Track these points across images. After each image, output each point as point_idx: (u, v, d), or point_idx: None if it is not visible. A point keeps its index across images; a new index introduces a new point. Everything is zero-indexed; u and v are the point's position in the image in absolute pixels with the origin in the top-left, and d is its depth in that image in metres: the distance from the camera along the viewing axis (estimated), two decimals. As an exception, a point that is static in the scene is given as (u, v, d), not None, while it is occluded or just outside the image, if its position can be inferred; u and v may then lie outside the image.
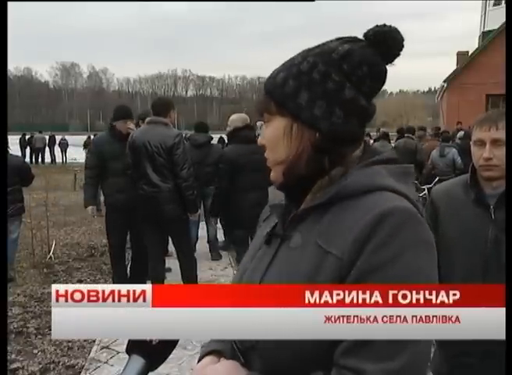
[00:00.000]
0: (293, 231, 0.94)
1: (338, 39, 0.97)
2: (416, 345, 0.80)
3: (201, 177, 5.28)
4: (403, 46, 0.96)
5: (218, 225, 6.49)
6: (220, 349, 1.01)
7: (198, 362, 1.01)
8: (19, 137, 28.04)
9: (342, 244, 0.84)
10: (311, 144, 0.92)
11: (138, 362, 0.84)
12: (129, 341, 0.87)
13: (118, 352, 3.72)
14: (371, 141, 13.72)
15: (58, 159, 27.92)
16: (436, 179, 8.25)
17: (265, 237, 1.01)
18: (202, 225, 6.44)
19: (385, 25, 0.95)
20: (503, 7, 18.99)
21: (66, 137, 30.88)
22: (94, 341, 3.92)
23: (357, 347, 0.79)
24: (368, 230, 0.82)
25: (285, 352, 0.86)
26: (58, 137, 29.14)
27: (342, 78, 0.91)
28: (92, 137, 29.16)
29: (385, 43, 0.93)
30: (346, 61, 0.91)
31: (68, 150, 28.76)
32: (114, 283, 5.07)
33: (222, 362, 0.95)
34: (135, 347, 0.86)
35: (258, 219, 1.16)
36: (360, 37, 0.96)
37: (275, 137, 0.96)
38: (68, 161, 27.78)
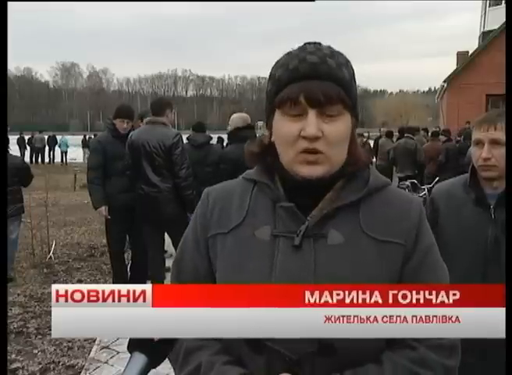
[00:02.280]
0: (324, 229, 0.95)
1: (323, 47, 0.97)
2: None
3: (201, 177, 5.26)
4: None
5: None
6: (246, 373, 0.94)
7: None
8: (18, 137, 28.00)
9: (399, 232, 0.96)
10: (362, 143, 1.01)
11: (140, 359, 0.85)
12: (131, 338, 0.87)
13: (118, 352, 3.72)
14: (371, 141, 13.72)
15: (58, 159, 27.87)
16: (436, 179, 8.26)
17: (281, 239, 0.96)
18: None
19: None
20: (502, 7, 18.98)
21: (66, 137, 30.85)
22: (94, 341, 3.92)
23: None
24: (418, 218, 0.98)
25: (365, 344, 0.86)
26: (58, 137, 29.07)
27: None
28: (92, 137, 29.30)
29: None
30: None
31: (68, 150, 28.75)
32: (113, 283, 5.07)
33: None
34: (137, 344, 0.86)
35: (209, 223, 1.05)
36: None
37: (347, 133, 0.96)
38: (68, 161, 27.76)
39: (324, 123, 0.92)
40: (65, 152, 27.94)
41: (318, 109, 0.91)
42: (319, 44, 0.98)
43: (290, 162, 0.95)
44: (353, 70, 0.98)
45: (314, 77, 0.91)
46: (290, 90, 0.92)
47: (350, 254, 0.93)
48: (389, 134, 11.89)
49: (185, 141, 6.06)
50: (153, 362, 0.86)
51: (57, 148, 28.26)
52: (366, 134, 19.14)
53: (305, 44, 0.98)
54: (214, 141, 7.77)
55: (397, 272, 0.94)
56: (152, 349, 0.85)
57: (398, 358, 0.90)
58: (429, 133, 11.33)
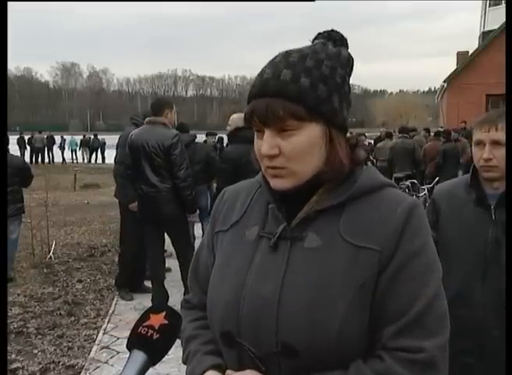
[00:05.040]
0: (303, 232, 0.94)
1: (323, 43, 0.97)
2: (448, 319, 0.91)
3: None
4: None
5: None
6: (219, 363, 0.98)
7: None
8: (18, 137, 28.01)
9: (377, 237, 0.90)
10: (349, 146, 0.96)
11: (140, 357, 0.84)
12: (130, 336, 0.87)
13: (118, 352, 3.73)
14: (372, 141, 13.74)
15: (58, 159, 27.91)
16: (437, 179, 8.25)
17: (264, 240, 0.97)
18: (199, 225, 6.45)
19: (334, 30, 1.00)
20: (502, 7, 19.00)
21: (66, 136, 30.90)
22: (94, 341, 3.92)
23: (409, 328, 0.87)
24: (402, 223, 0.90)
25: (327, 348, 0.86)
26: (57, 137, 29.12)
27: (349, 81, 0.97)
28: (91, 137, 29.45)
29: (348, 46, 1.00)
30: (349, 65, 0.97)
31: (76, 148, 29.14)
32: (117, 283, 5.07)
33: (246, 372, 0.92)
34: (136, 342, 0.86)
35: (213, 221, 1.12)
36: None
37: (311, 144, 0.91)
38: (67, 161, 27.79)
39: (281, 139, 0.91)
40: (75, 151, 29.20)
41: (273, 127, 0.90)
42: (296, 50, 0.94)
43: (264, 174, 0.97)
44: (323, 71, 0.91)
45: (264, 95, 0.90)
46: (247, 109, 0.93)
47: (323, 258, 0.90)
48: (389, 135, 11.95)
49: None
50: (153, 359, 0.86)
51: (55, 147, 28.37)
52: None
53: (286, 51, 0.96)
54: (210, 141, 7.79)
55: (369, 279, 0.88)
56: (152, 346, 0.85)
57: (364, 367, 0.86)
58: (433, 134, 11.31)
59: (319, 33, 1.00)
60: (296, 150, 0.90)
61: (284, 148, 0.91)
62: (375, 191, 0.95)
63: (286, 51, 0.95)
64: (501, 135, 1.63)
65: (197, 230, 6.46)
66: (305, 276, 0.90)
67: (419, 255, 0.90)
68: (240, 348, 0.94)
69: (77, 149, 29.26)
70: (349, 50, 0.99)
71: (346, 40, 0.99)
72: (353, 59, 0.99)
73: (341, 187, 0.94)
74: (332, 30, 0.99)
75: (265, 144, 0.91)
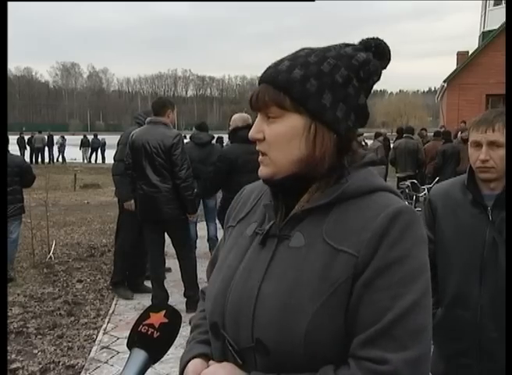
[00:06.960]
0: (291, 231, 0.94)
1: (347, 45, 0.98)
2: (427, 335, 0.86)
3: (204, 176, 5.24)
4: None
5: (218, 225, 6.49)
6: (206, 352, 1.01)
7: (183, 366, 1.00)
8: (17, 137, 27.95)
9: (356, 242, 0.88)
10: (334, 146, 0.94)
11: (140, 355, 0.85)
12: (130, 335, 0.88)
13: (118, 352, 3.73)
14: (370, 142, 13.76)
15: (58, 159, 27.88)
16: (437, 179, 8.24)
17: (258, 237, 0.99)
18: (203, 225, 6.45)
19: (378, 38, 1.00)
20: (503, 7, 18.98)
21: (66, 136, 30.83)
22: (94, 341, 3.92)
23: (378, 338, 0.84)
24: (382, 228, 0.87)
25: (294, 349, 0.86)
26: (57, 137, 29.02)
27: (359, 84, 0.95)
28: (92, 136, 29.43)
29: (385, 55, 0.99)
30: (363, 69, 0.95)
31: (66, 150, 28.78)
32: (113, 281, 5.07)
33: (222, 365, 0.94)
34: (136, 341, 0.86)
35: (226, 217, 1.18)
36: (360, 37, 1.02)
37: (289, 134, 0.92)
38: (68, 161, 27.77)
39: (266, 125, 0.95)
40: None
41: (262, 112, 0.96)
42: (312, 47, 0.97)
43: None
44: (322, 68, 0.91)
45: (262, 81, 0.96)
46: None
47: (303, 258, 0.90)
48: (378, 136, 12.08)
49: (187, 139, 6.06)
50: (153, 357, 0.86)
51: (55, 147, 28.25)
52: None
53: (304, 47, 0.99)
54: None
55: (344, 283, 0.86)
56: (152, 345, 0.86)
57: (331, 372, 0.85)
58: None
59: (362, 39, 1.00)
60: (274, 137, 0.94)
61: (266, 133, 0.95)
62: (366, 193, 0.93)
63: (304, 48, 0.98)
64: (498, 136, 1.62)
65: (202, 230, 6.47)
66: (283, 275, 0.91)
67: (398, 263, 0.85)
68: (223, 339, 0.96)
69: (64, 149, 28.41)
70: (384, 60, 0.98)
71: (382, 49, 0.98)
72: (374, 65, 0.96)
73: (332, 188, 0.94)
74: (373, 38, 0.99)
75: (254, 127, 0.97)
